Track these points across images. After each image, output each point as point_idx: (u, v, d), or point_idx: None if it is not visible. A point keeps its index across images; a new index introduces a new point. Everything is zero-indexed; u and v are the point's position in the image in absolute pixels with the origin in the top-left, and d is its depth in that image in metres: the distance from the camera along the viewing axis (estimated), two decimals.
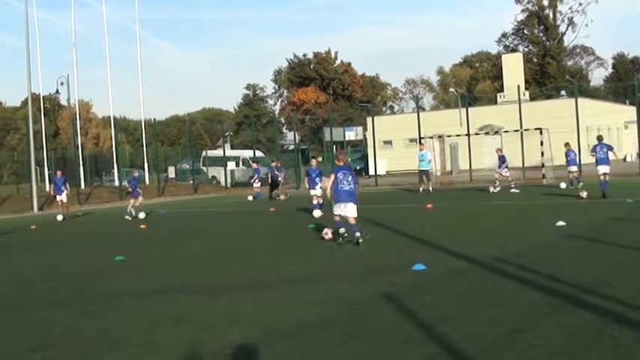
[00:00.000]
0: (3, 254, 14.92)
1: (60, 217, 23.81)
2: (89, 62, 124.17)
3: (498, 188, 25.04)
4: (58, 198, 24.19)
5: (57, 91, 44.29)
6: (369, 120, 50.20)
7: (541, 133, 29.22)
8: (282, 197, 29.28)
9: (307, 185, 20.18)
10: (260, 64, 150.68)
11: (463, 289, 7.72)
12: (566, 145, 25.81)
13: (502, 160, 25.86)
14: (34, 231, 20.57)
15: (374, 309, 7.01)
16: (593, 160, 20.28)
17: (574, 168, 25.34)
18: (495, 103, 53.99)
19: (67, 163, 45.39)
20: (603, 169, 19.73)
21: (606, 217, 14.51)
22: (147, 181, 41.84)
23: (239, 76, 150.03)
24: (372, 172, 43.32)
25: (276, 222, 18.98)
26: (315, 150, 66.34)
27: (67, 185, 24.62)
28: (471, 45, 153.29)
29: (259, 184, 30.88)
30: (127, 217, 22.00)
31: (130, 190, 23.29)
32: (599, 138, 20.82)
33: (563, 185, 25.18)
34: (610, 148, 20.28)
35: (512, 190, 24.76)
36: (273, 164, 31.72)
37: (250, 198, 30.44)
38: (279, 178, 30.28)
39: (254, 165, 33.33)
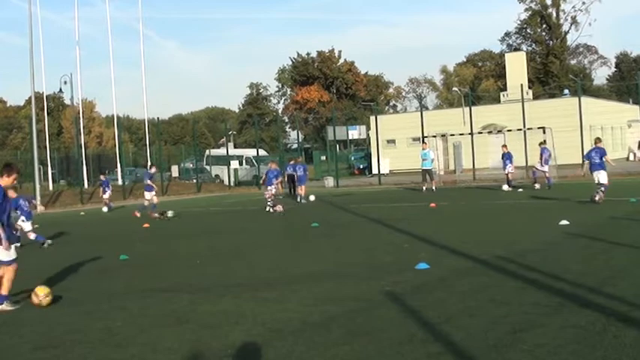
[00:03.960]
0: None
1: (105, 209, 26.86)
2: (93, 61, 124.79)
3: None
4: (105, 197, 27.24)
5: (60, 90, 44.43)
6: (372, 119, 50.27)
7: (544, 132, 29.16)
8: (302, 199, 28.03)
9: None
10: (263, 63, 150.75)
11: (466, 288, 7.70)
12: (541, 143, 25.94)
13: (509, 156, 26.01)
14: (36, 230, 20.56)
15: (377, 308, 7.00)
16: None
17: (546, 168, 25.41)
18: (499, 102, 53.88)
19: (70, 162, 45.55)
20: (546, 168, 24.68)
21: (610, 216, 14.48)
22: None
23: (242, 75, 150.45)
24: (375, 171, 43.28)
25: (278, 221, 18.95)
26: (318, 149, 66.28)
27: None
28: (475, 44, 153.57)
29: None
30: None
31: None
32: (542, 143, 25.36)
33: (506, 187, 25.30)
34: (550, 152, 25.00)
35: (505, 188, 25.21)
36: (272, 165, 30.40)
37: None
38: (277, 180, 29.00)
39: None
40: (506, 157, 26.13)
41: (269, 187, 21.82)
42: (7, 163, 8.99)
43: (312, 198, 26.20)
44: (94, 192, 36.42)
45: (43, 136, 42.29)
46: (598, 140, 18.51)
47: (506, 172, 26.05)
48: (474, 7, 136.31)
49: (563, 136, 31.02)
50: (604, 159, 17.60)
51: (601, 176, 17.39)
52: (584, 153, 19.35)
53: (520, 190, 24.84)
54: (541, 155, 24.85)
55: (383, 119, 51.19)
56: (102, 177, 29.05)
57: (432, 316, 6.39)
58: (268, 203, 21.59)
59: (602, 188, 17.33)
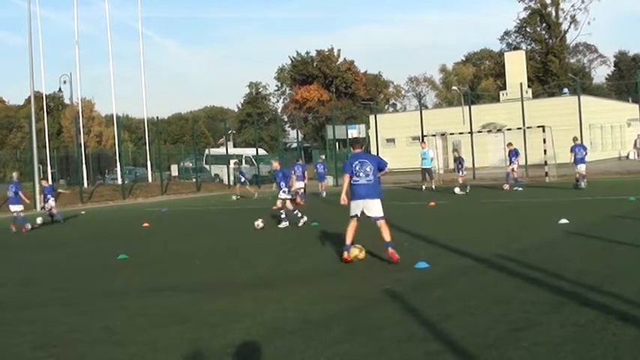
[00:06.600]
0: (6, 252, 14.96)
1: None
2: (92, 61, 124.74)
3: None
4: (47, 206, 22.50)
5: (60, 89, 44.37)
6: (371, 118, 50.28)
7: (544, 130, 29.16)
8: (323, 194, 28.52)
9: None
10: (263, 62, 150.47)
11: (466, 287, 7.71)
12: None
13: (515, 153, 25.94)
14: (37, 229, 20.60)
15: (376, 306, 7.01)
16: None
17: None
18: (498, 101, 53.92)
19: (69, 161, 45.53)
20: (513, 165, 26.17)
21: (609, 214, 14.50)
22: (150, 180, 41.87)
23: (242, 74, 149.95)
24: None
25: (277, 220, 18.93)
26: (318, 148, 66.27)
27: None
28: (474, 43, 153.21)
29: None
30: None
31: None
32: (509, 144, 26.43)
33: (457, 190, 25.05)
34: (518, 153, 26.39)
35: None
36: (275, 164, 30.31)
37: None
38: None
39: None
40: (459, 160, 26.36)
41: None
42: (356, 139, 9.72)
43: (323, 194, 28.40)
44: (93, 191, 36.45)
45: (43, 135, 42.21)
46: (576, 139, 24.14)
47: (462, 175, 26.08)
48: (473, 6, 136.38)
49: (563, 134, 31.00)
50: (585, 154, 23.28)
51: (583, 168, 23.07)
52: (571, 147, 23.70)
53: (520, 189, 24.81)
54: (514, 157, 25.44)
55: (382, 118, 51.23)
56: (44, 183, 23.87)
57: (431, 315, 6.40)
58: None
59: (583, 180, 22.93)
